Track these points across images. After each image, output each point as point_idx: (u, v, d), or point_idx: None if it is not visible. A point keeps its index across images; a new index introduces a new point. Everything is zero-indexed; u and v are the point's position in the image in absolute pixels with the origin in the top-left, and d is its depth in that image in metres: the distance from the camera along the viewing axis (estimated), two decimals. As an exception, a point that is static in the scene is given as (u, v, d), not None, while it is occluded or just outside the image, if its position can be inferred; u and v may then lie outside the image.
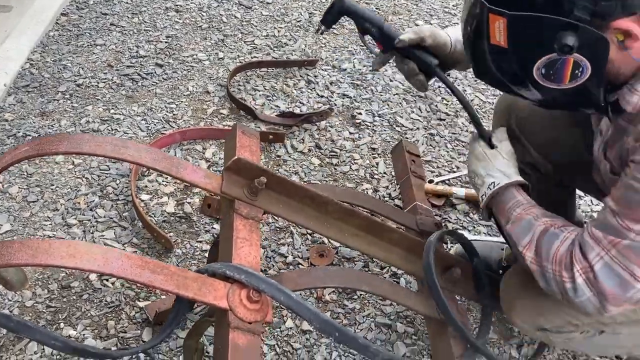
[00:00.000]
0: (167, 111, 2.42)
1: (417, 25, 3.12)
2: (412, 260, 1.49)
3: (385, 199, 2.13)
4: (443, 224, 1.70)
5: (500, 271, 1.85)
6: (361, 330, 1.73)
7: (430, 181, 2.20)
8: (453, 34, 1.40)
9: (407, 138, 2.43)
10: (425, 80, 1.42)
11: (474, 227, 2.10)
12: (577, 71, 1.02)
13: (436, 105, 2.60)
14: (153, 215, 2.00)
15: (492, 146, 1.39)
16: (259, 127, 2.37)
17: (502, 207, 1.30)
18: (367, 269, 1.88)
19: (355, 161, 2.30)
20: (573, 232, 1.15)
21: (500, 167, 1.34)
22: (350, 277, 1.39)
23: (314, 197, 1.35)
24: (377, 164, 2.30)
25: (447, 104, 2.60)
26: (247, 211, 1.27)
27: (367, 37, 1.43)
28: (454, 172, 2.28)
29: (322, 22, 1.46)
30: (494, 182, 1.32)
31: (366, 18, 1.41)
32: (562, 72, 1.02)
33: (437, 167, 2.30)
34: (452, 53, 1.40)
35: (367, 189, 2.18)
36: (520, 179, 1.32)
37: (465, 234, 1.94)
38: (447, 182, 2.24)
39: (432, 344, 1.49)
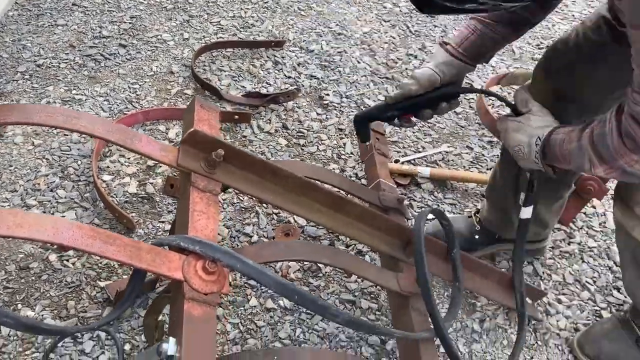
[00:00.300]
0: (130, 92, 2.38)
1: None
2: (376, 235, 1.49)
3: (352, 178, 2.13)
4: (406, 201, 1.69)
5: (476, 236, 1.85)
6: (325, 307, 1.73)
7: (396, 161, 2.20)
8: (433, 65, 1.44)
9: (374, 119, 2.43)
10: (449, 105, 1.47)
11: (438, 205, 2.11)
12: None
13: (403, 87, 2.60)
14: (115, 196, 1.97)
15: (520, 113, 1.37)
16: (224, 107, 2.35)
17: (555, 155, 1.26)
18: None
19: (323, 142, 2.29)
20: (607, 122, 1.11)
21: (538, 123, 1.31)
22: (312, 250, 1.38)
23: (274, 171, 1.34)
24: (344, 144, 2.29)
25: (414, 85, 2.60)
26: (205, 184, 1.25)
27: (395, 121, 1.53)
28: (419, 152, 2.29)
29: (362, 141, 1.67)
30: (538, 137, 1.29)
31: (380, 111, 1.53)
32: None
33: (403, 147, 2.31)
34: (443, 79, 1.44)
35: (334, 169, 2.18)
36: (556, 123, 1.29)
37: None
38: (412, 162, 2.24)
39: (394, 318, 1.49)
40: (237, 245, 1.86)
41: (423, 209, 2.07)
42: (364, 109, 2.45)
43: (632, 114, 1.04)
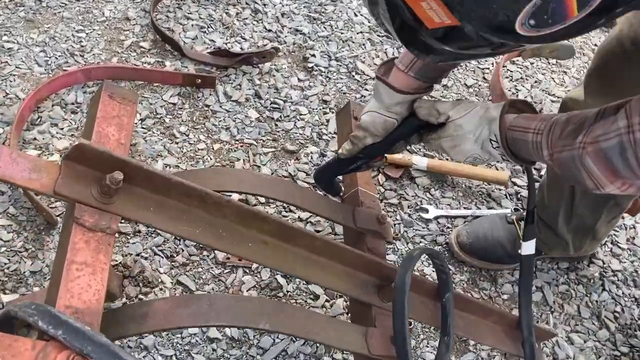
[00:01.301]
0: (73, 41, 1.96)
1: None
2: (341, 274, 1.13)
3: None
4: (388, 218, 1.33)
5: (520, 250, 1.54)
6: (282, 339, 1.40)
7: (388, 147, 1.82)
8: (381, 109, 1.14)
9: (366, 90, 2.02)
10: (420, 136, 1.16)
11: (437, 205, 1.75)
12: None
13: (406, 50, 2.17)
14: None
15: (442, 124, 1.07)
16: (186, 67, 1.94)
17: (528, 152, 0.99)
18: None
19: (302, 116, 1.90)
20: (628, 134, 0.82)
21: (473, 121, 1.02)
22: (242, 309, 1.03)
23: (203, 197, 0.97)
24: (327, 121, 1.90)
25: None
26: (95, 220, 0.88)
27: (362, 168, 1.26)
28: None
29: (333, 195, 1.39)
30: (490, 140, 1.01)
31: (341, 166, 1.26)
32: (562, 7, 0.64)
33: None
34: (400, 119, 1.14)
35: (312, 152, 1.80)
36: (497, 110, 1.01)
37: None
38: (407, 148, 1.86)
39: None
40: (182, 251, 1.51)
41: (418, 205, 1.71)
42: (355, 76, 2.04)
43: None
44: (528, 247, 1.22)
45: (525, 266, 1.25)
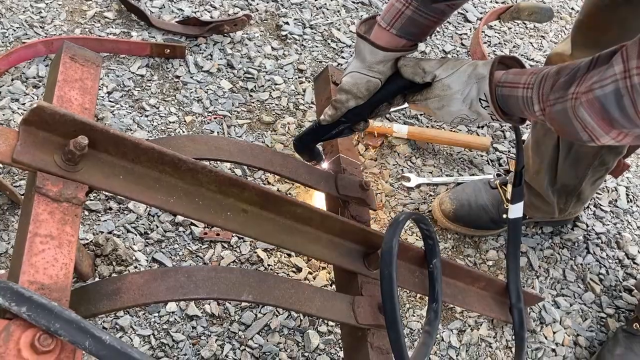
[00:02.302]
0: (32, 12, 1.85)
1: None
2: (325, 242, 1.09)
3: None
4: (371, 185, 1.28)
5: (504, 215, 1.51)
6: (265, 314, 1.35)
7: (367, 115, 1.76)
8: (363, 69, 1.08)
9: (343, 57, 1.96)
10: (404, 97, 1.10)
11: (418, 173, 1.71)
12: None
13: (382, 16, 2.11)
14: None
15: (428, 84, 1.03)
16: (153, 37, 1.85)
17: (518, 108, 0.94)
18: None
19: (277, 86, 1.83)
20: (625, 79, 0.78)
21: (461, 79, 0.98)
22: (222, 281, 0.98)
23: (176, 164, 0.90)
24: (304, 90, 1.84)
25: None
26: (59, 189, 0.81)
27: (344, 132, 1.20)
28: (398, 103, 1.85)
29: (313, 163, 1.28)
30: (480, 99, 0.96)
31: (321, 132, 1.19)
32: None
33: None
34: (384, 78, 1.09)
35: (289, 123, 1.74)
36: (486, 67, 0.96)
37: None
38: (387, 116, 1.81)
39: (346, 357, 1.11)
40: (157, 227, 1.44)
41: (399, 174, 1.67)
42: (331, 43, 1.98)
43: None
44: (515, 210, 1.19)
45: (513, 230, 1.22)
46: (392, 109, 1.19)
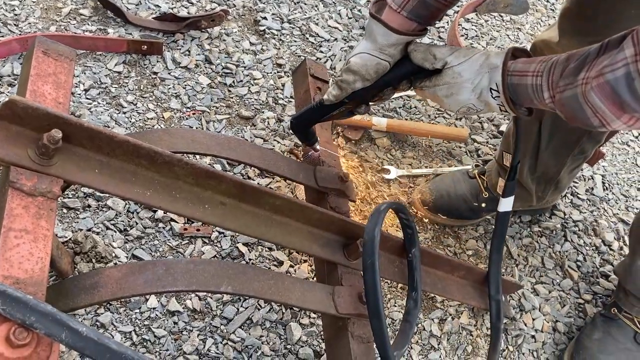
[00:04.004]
0: (6, 10, 1.83)
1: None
2: (305, 233, 1.09)
3: (290, 132, 1.70)
4: (349, 178, 1.29)
5: (483, 204, 1.52)
6: (247, 308, 1.36)
7: (346, 108, 1.77)
8: (374, 50, 1.06)
9: (321, 52, 1.96)
10: (409, 84, 1.09)
11: (398, 165, 1.72)
12: None
13: (359, 11, 2.12)
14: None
15: (438, 71, 1.02)
16: (130, 34, 1.84)
17: (529, 98, 0.94)
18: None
19: (256, 81, 1.83)
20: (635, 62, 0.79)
21: (473, 68, 0.97)
22: (201, 272, 0.98)
23: (152, 157, 0.90)
24: (282, 85, 1.84)
25: (373, 9, 2.12)
26: (33, 184, 0.81)
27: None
28: (376, 96, 1.85)
29: (305, 141, 1.28)
30: (491, 89, 0.95)
31: (321, 112, 1.18)
32: None
33: (356, 89, 1.87)
34: (393, 62, 1.07)
35: (268, 117, 1.74)
36: (499, 57, 0.96)
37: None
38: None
39: (328, 347, 1.12)
40: (136, 224, 1.43)
41: (379, 166, 1.67)
42: (309, 38, 1.98)
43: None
44: (506, 204, 1.20)
45: (500, 223, 1.23)
46: (395, 95, 1.17)
